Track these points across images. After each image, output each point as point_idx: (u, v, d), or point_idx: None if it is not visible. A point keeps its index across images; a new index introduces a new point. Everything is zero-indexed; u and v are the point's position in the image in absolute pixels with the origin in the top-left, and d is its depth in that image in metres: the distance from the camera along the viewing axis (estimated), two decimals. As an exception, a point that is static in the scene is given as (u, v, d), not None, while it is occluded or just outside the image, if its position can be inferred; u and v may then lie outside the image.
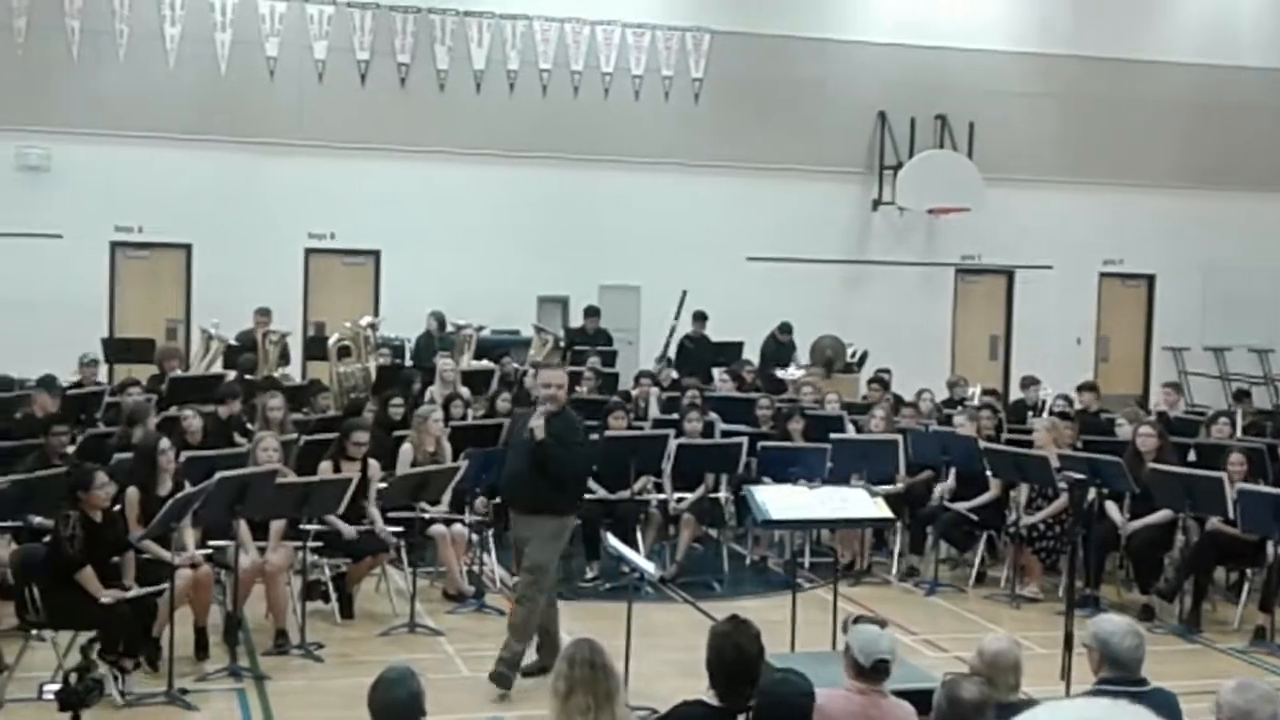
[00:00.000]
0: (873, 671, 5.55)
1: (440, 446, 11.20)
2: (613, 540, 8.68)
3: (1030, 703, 5.52)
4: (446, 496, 10.80)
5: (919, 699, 5.73)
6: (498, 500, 11.04)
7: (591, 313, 18.67)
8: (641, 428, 12.90)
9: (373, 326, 16.72)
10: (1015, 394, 18.07)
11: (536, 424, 8.41)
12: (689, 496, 11.77)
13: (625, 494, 11.37)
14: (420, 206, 19.55)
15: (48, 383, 12.97)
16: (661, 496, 11.80)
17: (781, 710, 5.23)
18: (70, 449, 10.72)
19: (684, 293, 18.78)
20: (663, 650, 8.93)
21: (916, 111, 21.32)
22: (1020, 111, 21.64)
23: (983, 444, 11.80)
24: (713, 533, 12.33)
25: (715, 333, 18.58)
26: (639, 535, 11.36)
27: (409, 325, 18.25)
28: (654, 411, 14.29)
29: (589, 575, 11.47)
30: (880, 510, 9.20)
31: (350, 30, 19.55)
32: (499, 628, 10.09)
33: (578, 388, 14.75)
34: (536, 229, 19.90)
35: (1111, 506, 11.02)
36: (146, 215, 18.89)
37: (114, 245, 19.09)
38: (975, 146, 21.30)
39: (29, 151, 18.57)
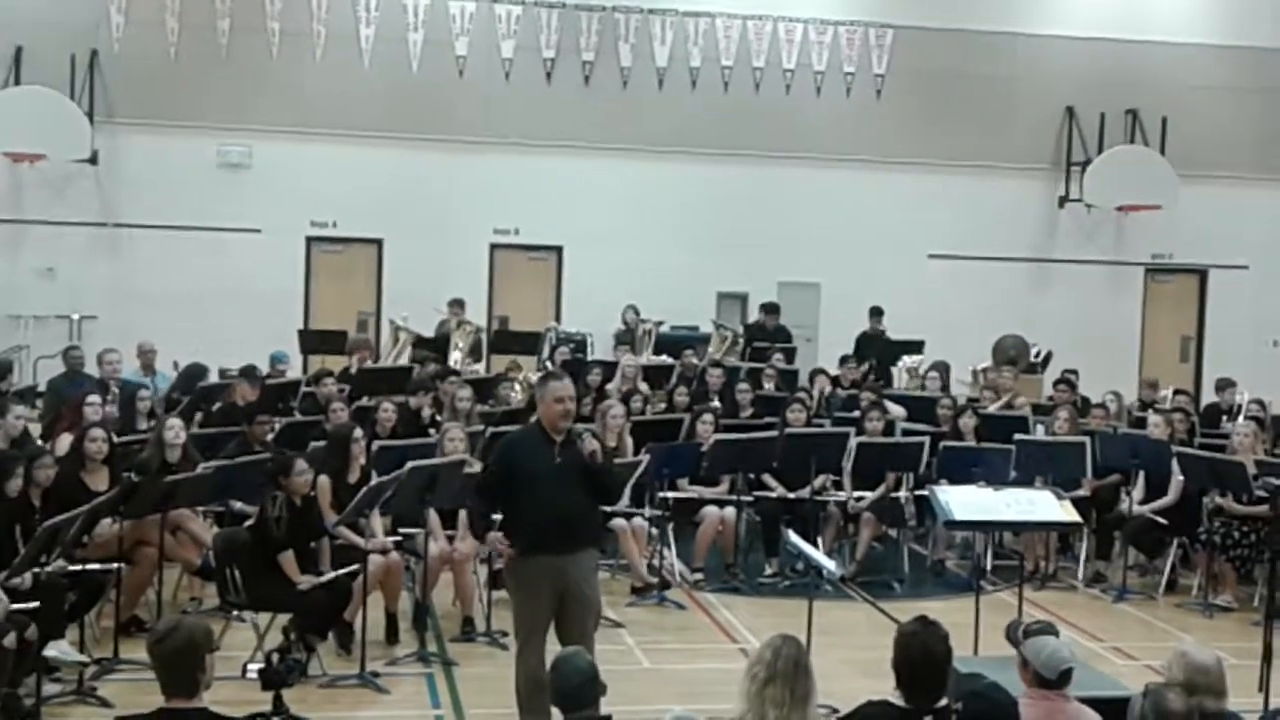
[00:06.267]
0: (1058, 681, 5.48)
1: (622, 441, 11.30)
2: (794, 537, 8.61)
3: (1234, 715, 5.42)
4: (627, 491, 10.91)
5: (1106, 707, 5.63)
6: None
7: (770, 309, 18.64)
8: (822, 424, 12.88)
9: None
10: (1207, 397, 17.54)
11: (595, 446, 7.16)
12: (869, 495, 11.71)
13: (805, 492, 11.35)
14: (602, 203, 19.75)
15: (248, 373, 13.47)
16: (841, 495, 11.76)
17: (993, 715, 5.22)
18: (270, 437, 11.12)
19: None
20: (843, 649, 8.92)
21: (1106, 107, 20.82)
22: (1215, 106, 20.96)
23: (1175, 448, 11.50)
24: (893, 532, 12.24)
25: (895, 330, 18.39)
26: (818, 533, 11.34)
27: (590, 320, 18.51)
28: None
29: (768, 572, 11.51)
30: (1068, 514, 9.02)
31: (536, 29, 19.87)
32: (679, 621, 10.28)
33: (765, 385, 14.73)
34: (716, 225, 19.95)
35: (1310, 515, 10.63)
36: (340, 211, 19.45)
37: (309, 240, 19.70)
38: (1168, 142, 20.69)
39: (230, 149, 19.28)
